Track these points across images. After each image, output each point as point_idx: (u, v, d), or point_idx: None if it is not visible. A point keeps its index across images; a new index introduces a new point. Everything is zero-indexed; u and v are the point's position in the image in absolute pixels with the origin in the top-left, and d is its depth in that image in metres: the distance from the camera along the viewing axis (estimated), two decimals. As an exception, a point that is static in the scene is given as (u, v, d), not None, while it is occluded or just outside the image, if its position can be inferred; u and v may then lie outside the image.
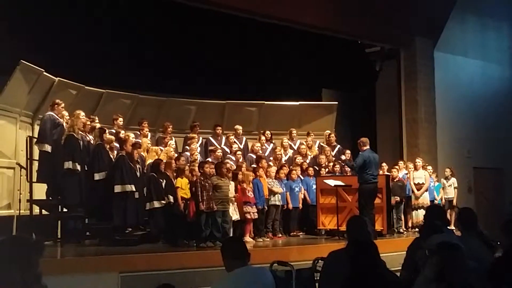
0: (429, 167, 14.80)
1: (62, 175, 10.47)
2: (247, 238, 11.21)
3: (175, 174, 11.04)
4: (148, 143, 12.52)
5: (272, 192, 12.16)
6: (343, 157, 13.55)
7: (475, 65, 18.60)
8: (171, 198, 10.63)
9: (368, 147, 11.88)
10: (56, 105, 11.05)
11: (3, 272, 3.18)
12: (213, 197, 10.52)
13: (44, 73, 11.79)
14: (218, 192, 10.65)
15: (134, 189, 10.60)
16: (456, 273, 4.29)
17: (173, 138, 13.46)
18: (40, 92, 12.05)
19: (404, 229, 13.96)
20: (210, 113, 15.24)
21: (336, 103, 16.83)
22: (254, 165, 12.81)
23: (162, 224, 10.86)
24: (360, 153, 11.92)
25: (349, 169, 13.18)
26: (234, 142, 13.84)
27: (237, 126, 14.38)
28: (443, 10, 17.25)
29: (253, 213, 11.52)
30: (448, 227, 6.67)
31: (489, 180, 18.44)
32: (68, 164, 10.38)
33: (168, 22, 14.24)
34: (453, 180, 14.80)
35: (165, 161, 11.34)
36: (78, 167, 10.54)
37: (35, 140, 11.02)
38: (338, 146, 15.03)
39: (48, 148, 10.71)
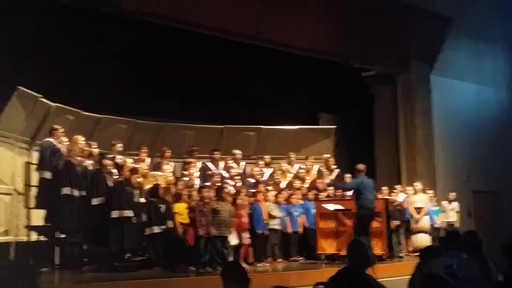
0: (430, 191, 14.74)
1: (59, 200, 10.40)
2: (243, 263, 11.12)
3: (173, 200, 11.00)
4: (145, 169, 12.45)
5: (271, 216, 12.10)
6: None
7: (471, 88, 18.67)
8: (170, 224, 10.56)
9: (363, 173, 12.00)
10: (54, 131, 11.02)
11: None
12: (212, 221, 10.47)
13: (41, 99, 11.78)
14: (216, 217, 10.61)
15: (131, 215, 10.52)
16: None
17: (170, 163, 13.37)
18: (37, 118, 12.02)
19: (404, 253, 13.87)
20: (208, 138, 15.17)
21: (334, 127, 16.85)
22: (253, 190, 12.75)
23: (160, 250, 10.79)
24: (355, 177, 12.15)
25: (347, 192, 13.17)
26: (232, 167, 13.79)
27: (235, 151, 14.30)
28: (438, 34, 17.34)
29: (247, 238, 11.53)
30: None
31: (487, 204, 18.36)
32: (66, 190, 10.33)
33: (165, 47, 14.26)
34: (455, 204, 14.72)
35: (164, 186, 11.31)
36: (76, 193, 10.49)
37: (32, 166, 10.96)
38: (338, 170, 14.98)
39: (48, 175, 10.63)
